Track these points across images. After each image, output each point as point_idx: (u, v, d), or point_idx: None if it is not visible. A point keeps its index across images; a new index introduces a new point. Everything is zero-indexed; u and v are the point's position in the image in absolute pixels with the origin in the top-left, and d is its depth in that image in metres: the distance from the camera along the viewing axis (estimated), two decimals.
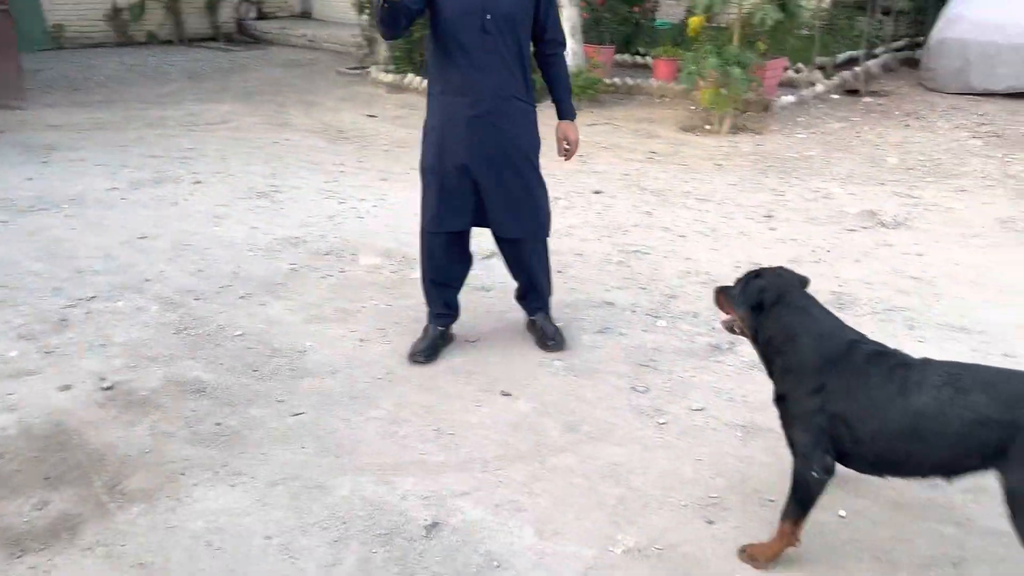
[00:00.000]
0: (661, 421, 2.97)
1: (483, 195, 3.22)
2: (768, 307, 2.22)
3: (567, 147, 3.36)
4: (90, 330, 3.67)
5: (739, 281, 2.36)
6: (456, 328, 3.59)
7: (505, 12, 3.02)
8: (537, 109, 3.30)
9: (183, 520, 2.46)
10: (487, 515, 2.48)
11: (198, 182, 5.93)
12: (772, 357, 2.25)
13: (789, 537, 2.20)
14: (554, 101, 3.34)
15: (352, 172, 6.28)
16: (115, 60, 11.53)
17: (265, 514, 2.48)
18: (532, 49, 3.25)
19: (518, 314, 3.69)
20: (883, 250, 4.56)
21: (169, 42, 13.78)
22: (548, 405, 3.08)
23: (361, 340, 3.61)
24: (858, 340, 2.15)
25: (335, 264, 4.48)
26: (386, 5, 2.87)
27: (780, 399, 2.22)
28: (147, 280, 4.20)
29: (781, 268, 2.36)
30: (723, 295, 2.43)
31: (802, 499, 2.15)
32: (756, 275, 2.32)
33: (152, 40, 13.68)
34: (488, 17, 2.99)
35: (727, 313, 2.41)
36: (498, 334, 3.65)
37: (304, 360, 3.43)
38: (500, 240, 3.40)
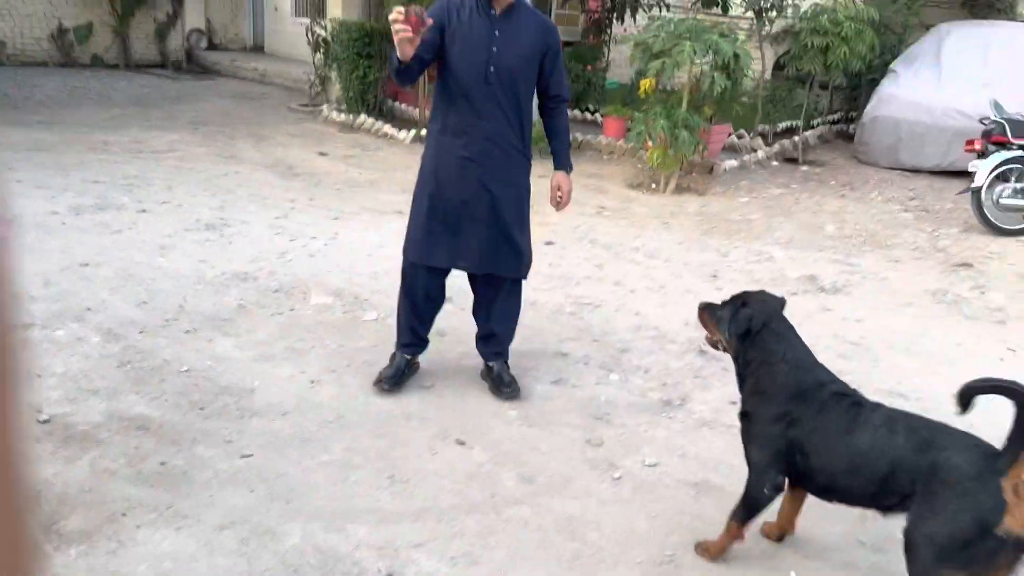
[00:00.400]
0: (615, 476, 2.99)
1: (468, 233, 3.29)
2: (754, 334, 2.39)
3: (560, 197, 3.46)
4: (26, 360, 3.51)
5: (725, 304, 2.52)
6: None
7: (508, 66, 3.16)
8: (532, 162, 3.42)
9: (125, 564, 2.34)
10: (442, 567, 2.44)
11: (143, 211, 5.79)
12: (746, 376, 2.43)
13: (736, 535, 2.47)
14: (552, 151, 3.47)
15: (303, 209, 6.23)
16: (57, 80, 11.26)
17: (212, 560, 2.39)
18: (536, 101, 3.39)
19: (474, 361, 3.69)
20: (823, 315, 4.72)
21: (115, 66, 13.53)
22: (503, 455, 3.07)
23: (312, 382, 3.54)
24: (826, 380, 2.34)
25: (285, 302, 4.41)
26: (402, 64, 2.98)
27: (745, 415, 2.41)
28: (88, 309, 4.05)
29: (764, 293, 2.53)
30: (707, 314, 2.57)
31: (750, 508, 2.40)
32: (743, 303, 2.46)
33: (97, 63, 13.41)
34: (491, 69, 3.14)
35: (709, 332, 2.56)
36: (453, 380, 3.64)
37: (252, 400, 3.35)
38: (476, 279, 3.46)
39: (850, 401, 2.28)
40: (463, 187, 3.25)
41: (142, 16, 13.95)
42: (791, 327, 2.44)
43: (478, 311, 3.55)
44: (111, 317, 4.00)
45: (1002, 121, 6.62)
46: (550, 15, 12.36)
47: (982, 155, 6.63)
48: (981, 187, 6.46)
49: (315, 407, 3.33)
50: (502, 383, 3.51)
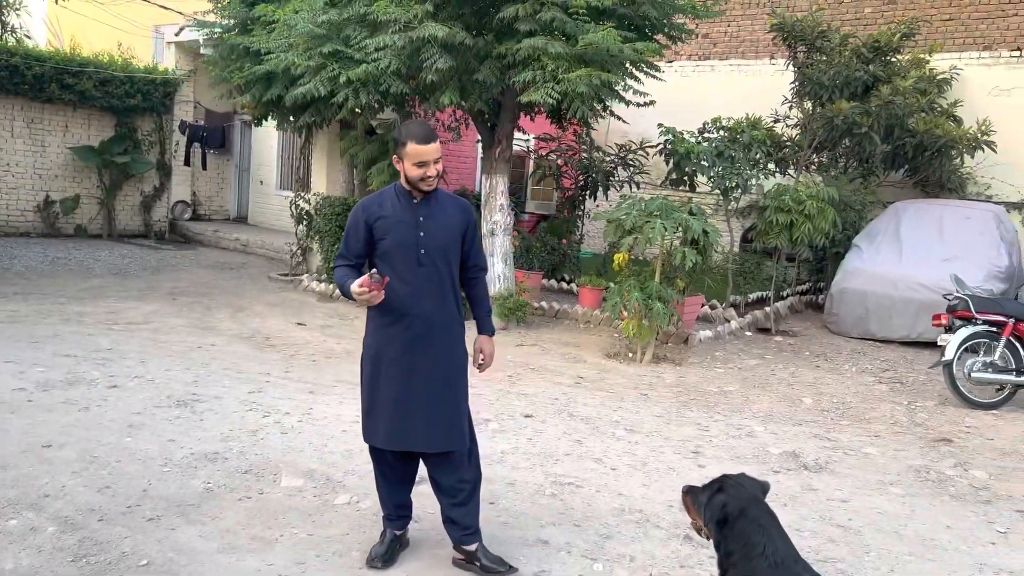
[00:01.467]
0: None
1: (414, 414, 3.31)
2: (732, 522, 2.28)
3: (482, 359, 3.56)
4: None
5: (706, 487, 2.42)
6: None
7: (437, 245, 3.35)
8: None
9: None
10: None
11: (114, 386, 5.68)
12: (727, 568, 2.30)
13: None
14: (475, 318, 3.60)
15: (278, 383, 6.15)
16: (39, 251, 11.39)
17: None
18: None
19: (446, 550, 3.52)
20: (808, 495, 4.62)
21: (98, 236, 13.77)
22: None
23: None
24: None
25: (254, 484, 4.24)
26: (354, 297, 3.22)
27: None
28: (46, 496, 3.86)
29: (742, 477, 2.44)
30: (690, 498, 2.48)
31: None
32: (719, 488, 2.37)
33: (81, 233, 13.66)
34: (423, 251, 3.32)
35: (693, 519, 2.46)
36: (428, 573, 3.45)
37: None
38: (429, 458, 3.43)
39: None
40: (406, 369, 3.32)
41: (129, 188, 14.40)
42: (772, 516, 2.34)
43: (436, 491, 3.50)
44: (70, 504, 3.81)
45: (965, 297, 6.84)
46: (526, 192, 12.93)
47: (949, 329, 6.79)
48: (951, 361, 6.57)
49: None
50: (490, 570, 3.40)
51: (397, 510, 3.55)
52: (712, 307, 9.90)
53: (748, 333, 9.36)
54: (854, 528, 4.18)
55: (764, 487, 2.44)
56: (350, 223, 3.39)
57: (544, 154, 11.68)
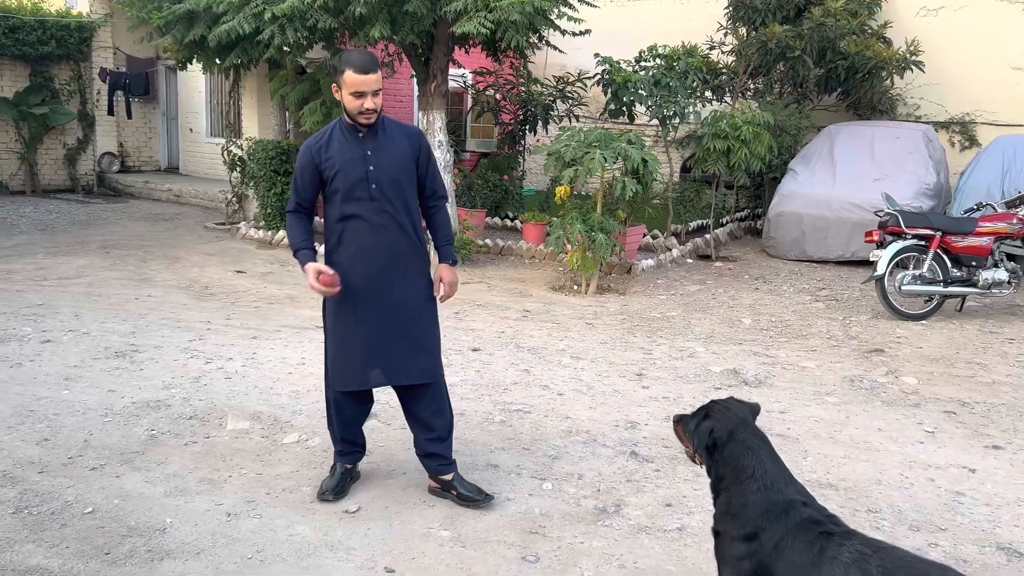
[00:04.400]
0: None
1: (383, 349, 3.30)
2: (720, 447, 2.28)
3: (444, 289, 3.50)
4: None
5: (694, 414, 2.41)
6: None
7: (389, 178, 3.27)
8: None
9: None
10: None
11: (47, 341, 5.51)
12: (719, 492, 2.30)
13: None
14: (435, 247, 3.55)
15: (219, 330, 6.04)
16: None
17: None
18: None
19: (401, 480, 3.56)
20: None
21: (21, 193, 13.21)
22: None
23: (228, 515, 3.33)
24: (796, 501, 2.19)
25: (200, 429, 4.20)
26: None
27: (716, 534, 2.28)
28: None
29: (730, 401, 2.41)
30: (680, 426, 2.48)
31: None
32: (706, 414, 2.36)
33: (2, 190, 13.07)
34: (373, 186, 3.25)
35: (685, 446, 2.47)
36: (379, 502, 3.48)
37: (164, 539, 3.12)
38: (401, 391, 3.44)
39: (819, 531, 2.12)
40: (374, 306, 3.29)
41: (51, 141, 13.77)
42: (762, 438, 2.32)
43: (413, 424, 3.50)
44: (7, 459, 3.72)
45: (895, 213, 7.03)
46: (465, 130, 12.75)
47: (880, 245, 6.99)
48: (883, 275, 6.78)
49: (233, 543, 3.12)
50: (468, 499, 3.45)
51: (350, 446, 3.56)
52: (654, 237, 10.01)
53: (689, 260, 9.51)
54: (792, 436, 4.34)
55: (754, 409, 2.41)
56: (297, 166, 3.31)
57: (481, 89, 11.50)
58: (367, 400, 3.52)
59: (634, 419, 4.52)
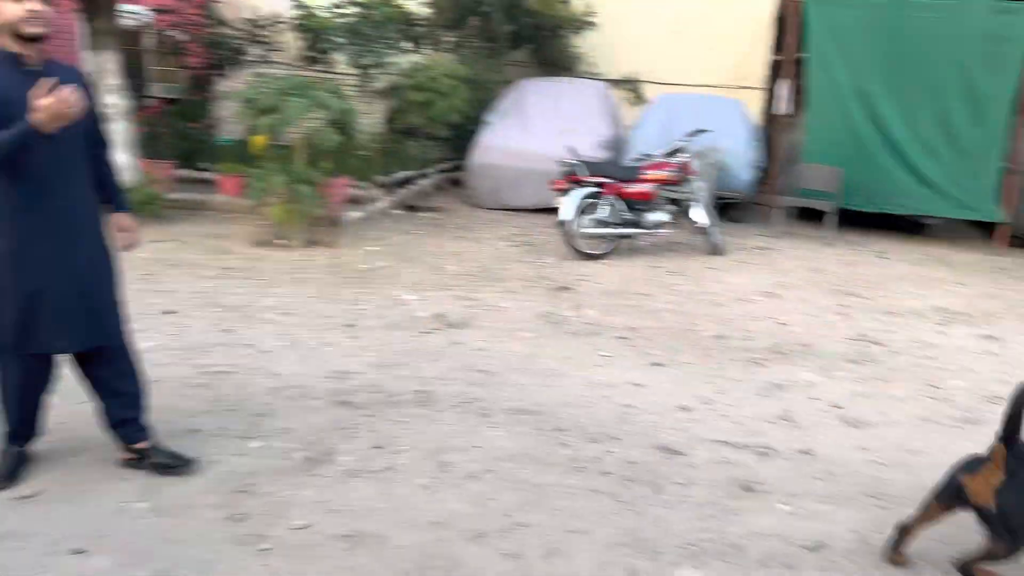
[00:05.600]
0: (263, 547, 2.84)
1: (71, 312, 3.02)
2: None
3: (128, 239, 3.32)
4: None
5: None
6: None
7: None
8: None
9: None
10: None
11: None
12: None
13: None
14: (108, 198, 3.26)
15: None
16: None
17: None
18: None
19: (87, 456, 3.27)
20: (453, 348, 5.03)
21: None
22: (132, 555, 2.74)
23: None
24: None
25: None
26: None
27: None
28: None
29: None
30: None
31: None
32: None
33: None
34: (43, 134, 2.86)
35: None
36: (62, 482, 3.17)
37: None
38: (85, 358, 3.16)
39: None
40: (49, 264, 2.97)
41: None
42: None
43: (100, 392, 3.23)
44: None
45: (577, 163, 7.70)
46: (146, 73, 11.64)
47: (565, 193, 7.64)
48: (566, 221, 7.43)
49: None
50: (169, 466, 3.26)
51: (26, 428, 3.21)
52: (361, 188, 9.97)
53: (396, 212, 9.64)
54: (492, 370, 4.66)
55: None
56: None
57: (163, 29, 10.53)
58: (52, 367, 3.19)
59: (345, 369, 4.55)
